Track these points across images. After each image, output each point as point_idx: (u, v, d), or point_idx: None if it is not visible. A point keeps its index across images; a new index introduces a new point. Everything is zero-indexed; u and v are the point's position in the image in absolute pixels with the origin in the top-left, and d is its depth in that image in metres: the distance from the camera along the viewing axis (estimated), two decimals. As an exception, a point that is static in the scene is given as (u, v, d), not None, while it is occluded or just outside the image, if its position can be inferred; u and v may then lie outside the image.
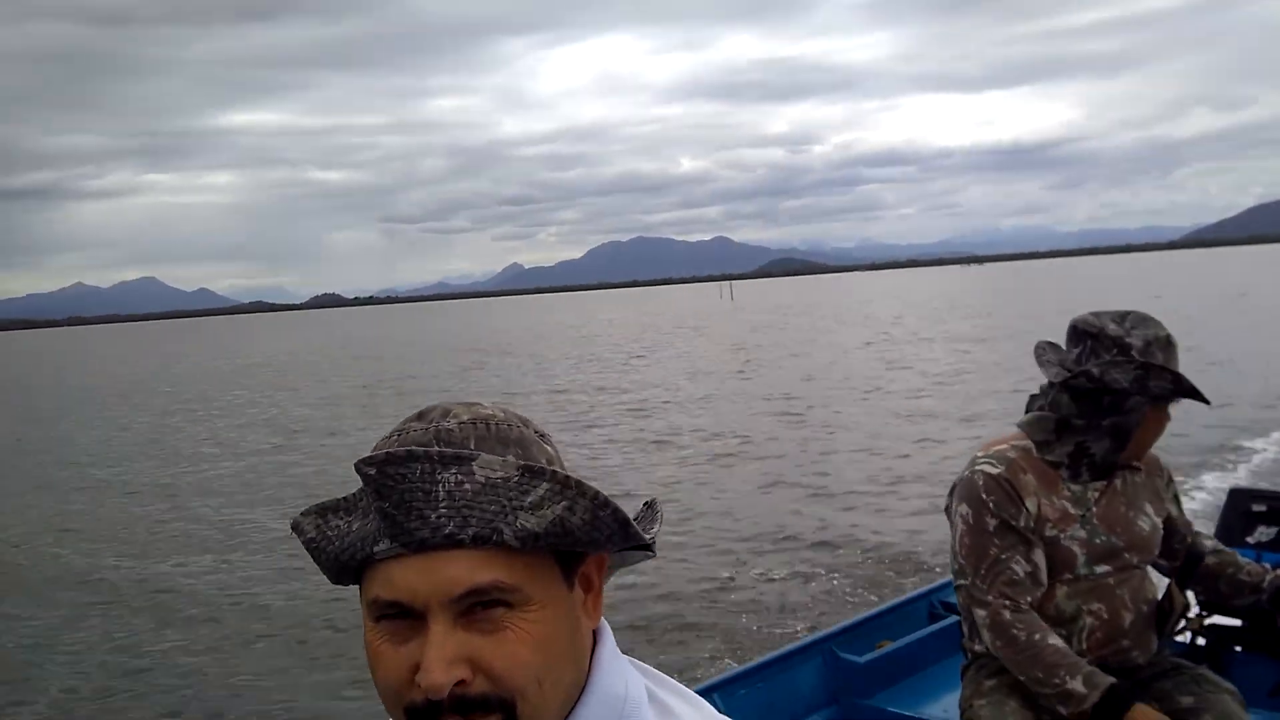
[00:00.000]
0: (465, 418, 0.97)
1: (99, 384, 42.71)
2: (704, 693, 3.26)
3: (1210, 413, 12.84)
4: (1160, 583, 2.70)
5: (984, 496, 2.50)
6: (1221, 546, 2.80)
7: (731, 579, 8.72)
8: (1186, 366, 2.50)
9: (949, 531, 2.63)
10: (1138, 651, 2.56)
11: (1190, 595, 2.86)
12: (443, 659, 0.90)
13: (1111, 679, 2.37)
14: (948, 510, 2.63)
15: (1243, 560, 2.77)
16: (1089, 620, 2.52)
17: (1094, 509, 2.54)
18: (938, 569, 7.58)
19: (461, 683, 0.90)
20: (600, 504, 0.93)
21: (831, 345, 36.72)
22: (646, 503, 1.10)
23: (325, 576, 1.01)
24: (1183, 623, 2.89)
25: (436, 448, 0.93)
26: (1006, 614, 2.44)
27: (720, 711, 1.04)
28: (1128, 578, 2.56)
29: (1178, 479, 2.84)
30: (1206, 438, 12.45)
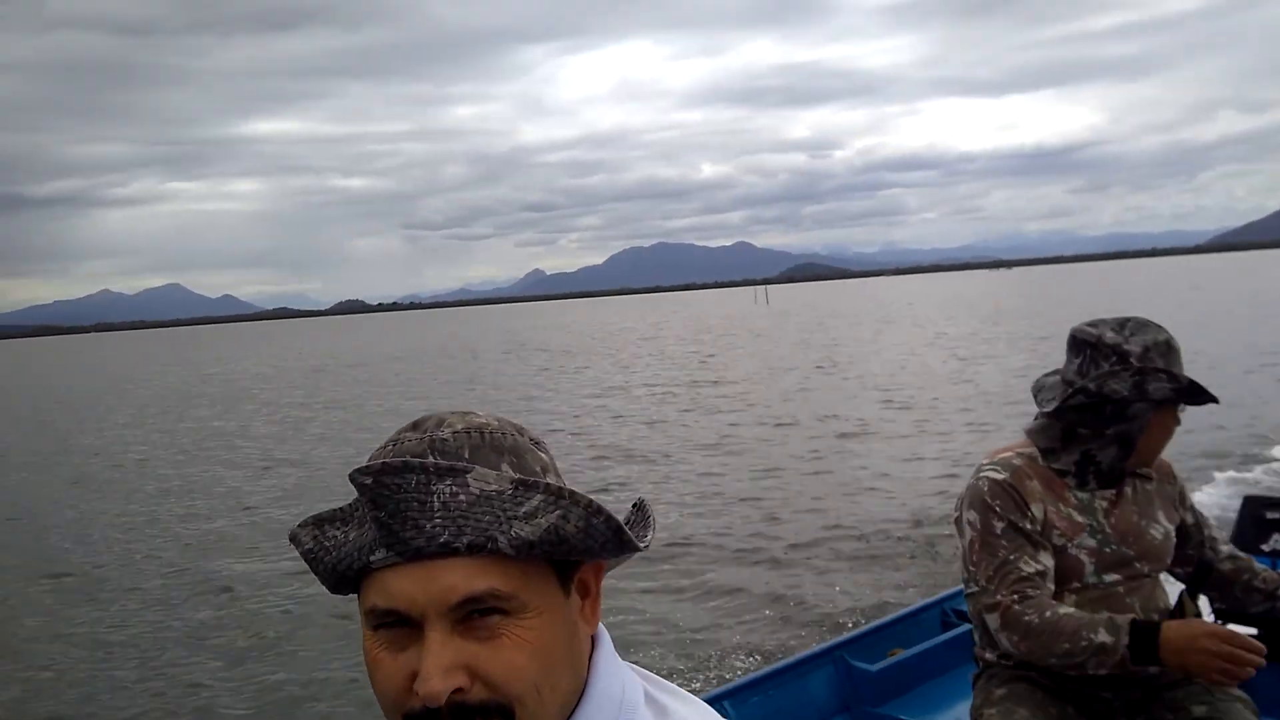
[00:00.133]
0: (460, 427, 0.98)
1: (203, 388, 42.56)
2: (715, 699, 3.29)
3: (1227, 418, 12.81)
4: (1172, 591, 2.68)
5: (990, 501, 2.49)
6: (1237, 552, 2.76)
7: (793, 580, 8.75)
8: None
9: (959, 541, 2.63)
10: (1150, 661, 2.54)
11: (1204, 603, 2.84)
12: (440, 667, 0.91)
13: (1130, 615, 2.34)
14: (957, 521, 2.63)
15: (1258, 567, 2.74)
16: None
17: (1106, 519, 2.51)
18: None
19: (459, 690, 0.91)
20: (593, 512, 0.94)
21: (895, 344, 36.91)
22: (635, 504, 1.10)
23: (324, 587, 1.02)
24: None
25: (432, 458, 0.94)
26: (1016, 607, 2.39)
27: None
28: (1138, 586, 2.54)
29: (1191, 485, 2.82)
30: (1221, 444, 12.36)
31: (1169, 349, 2.45)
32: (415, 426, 1.00)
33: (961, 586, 2.74)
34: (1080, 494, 2.54)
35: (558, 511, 0.93)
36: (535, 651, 0.94)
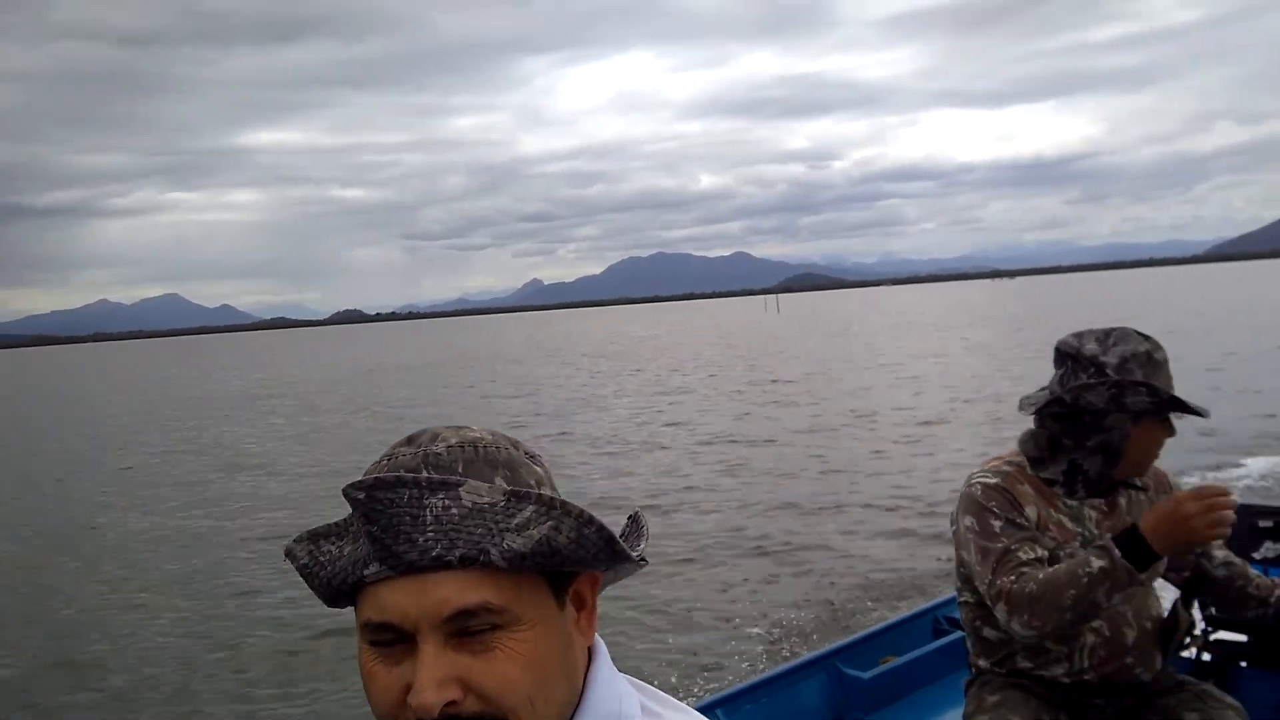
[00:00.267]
0: (454, 441, 0.99)
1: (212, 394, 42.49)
2: (708, 708, 3.29)
3: (1223, 428, 12.84)
4: (1166, 598, 2.68)
5: (985, 504, 2.49)
6: (1233, 558, 2.74)
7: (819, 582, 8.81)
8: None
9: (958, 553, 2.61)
10: (1142, 668, 2.53)
11: (1196, 611, 2.84)
12: (433, 680, 0.91)
13: (1109, 533, 2.36)
14: (955, 534, 2.60)
15: (1252, 573, 2.72)
16: (1091, 638, 2.49)
17: (1098, 528, 2.51)
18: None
19: (453, 703, 0.92)
20: (585, 522, 0.94)
21: (925, 349, 37.04)
22: (630, 517, 1.11)
23: (320, 601, 1.02)
24: (1188, 639, 2.87)
25: (425, 473, 0.95)
26: (1014, 586, 2.34)
27: None
28: (1131, 594, 2.52)
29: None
30: (1211, 454, 12.39)
31: (1149, 360, 2.44)
32: (410, 441, 1.01)
33: (955, 594, 2.74)
34: (1070, 503, 2.55)
35: (549, 522, 0.93)
36: (529, 664, 0.94)
